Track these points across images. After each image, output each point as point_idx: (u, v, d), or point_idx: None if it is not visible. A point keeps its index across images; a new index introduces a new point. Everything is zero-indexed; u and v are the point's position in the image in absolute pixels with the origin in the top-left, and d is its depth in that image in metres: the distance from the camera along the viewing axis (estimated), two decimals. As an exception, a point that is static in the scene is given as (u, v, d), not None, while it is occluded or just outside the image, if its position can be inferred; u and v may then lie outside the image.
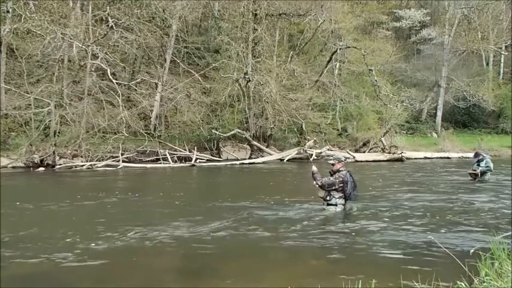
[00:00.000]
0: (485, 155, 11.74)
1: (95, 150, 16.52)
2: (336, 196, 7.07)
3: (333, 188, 7.04)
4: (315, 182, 7.12)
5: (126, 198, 9.05)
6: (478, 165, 11.49)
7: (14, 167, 15.07)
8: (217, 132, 19.13)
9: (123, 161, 16.27)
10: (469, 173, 11.68)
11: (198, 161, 17.88)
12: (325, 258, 4.85)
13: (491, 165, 11.50)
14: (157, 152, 17.71)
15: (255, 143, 20.27)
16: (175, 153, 18.22)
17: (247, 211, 7.28)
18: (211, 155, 19.53)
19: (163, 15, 19.80)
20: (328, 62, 22.61)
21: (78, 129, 16.50)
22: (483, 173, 11.38)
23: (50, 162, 15.62)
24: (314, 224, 6.36)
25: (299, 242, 5.44)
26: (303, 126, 20.72)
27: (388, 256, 4.84)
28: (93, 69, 17.66)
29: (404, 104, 25.45)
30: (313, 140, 20.43)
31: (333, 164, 7.23)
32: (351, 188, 7.09)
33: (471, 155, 12.68)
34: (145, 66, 21.87)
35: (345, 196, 7.10)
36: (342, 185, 7.00)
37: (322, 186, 7.08)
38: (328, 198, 7.11)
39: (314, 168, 7.19)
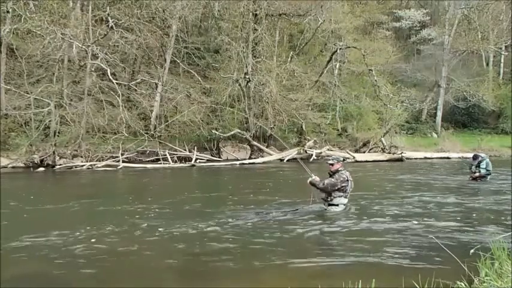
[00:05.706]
0: (484, 156, 11.70)
1: (95, 150, 16.54)
2: (337, 196, 7.04)
3: (335, 188, 6.97)
4: (315, 187, 6.97)
5: (126, 198, 9.04)
6: (478, 166, 11.46)
7: (14, 167, 15.08)
8: (217, 133, 19.13)
9: (123, 161, 16.28)
10: (471, 176, 11.63)
11: (198, 161, 17.89)
12: (326, 258, 4.84)
13: (491, 167, 11.48)
14: (157, 152, 17.71)
15: (255, 143, 20.26)
16: (175, 153, 18.22)
17: (247, 211, 7.28)
18: (211, 155, 19.54)
19: (163, 15, 19.80)
20: (328, 62, 22.60)
21: (78, 129, 16.51)
22: (484, 176, 11.36)
23: (50, 162, 15.64)
24: (315, 224, 6.35)
25: (299, 242, 5.44)
26: (303, 127, 20.73)
27: (389, 256, 4.84)
28: (93, 69, 17.66)
29: (404, 104, 25.48)
30: (313, 140, 20.44)
31: (331, 164, 7.12)
32: (350, 188, 7.10)
33: (471, 155, 12.58)
34: (146, 66, 21.87)
35: (346, 196, 7.09)
36: (344, 184, 6.98)
37: (324, 189, 6.95)
38: (329, 198, 7.09)
39: (313, 178, 7.02)
